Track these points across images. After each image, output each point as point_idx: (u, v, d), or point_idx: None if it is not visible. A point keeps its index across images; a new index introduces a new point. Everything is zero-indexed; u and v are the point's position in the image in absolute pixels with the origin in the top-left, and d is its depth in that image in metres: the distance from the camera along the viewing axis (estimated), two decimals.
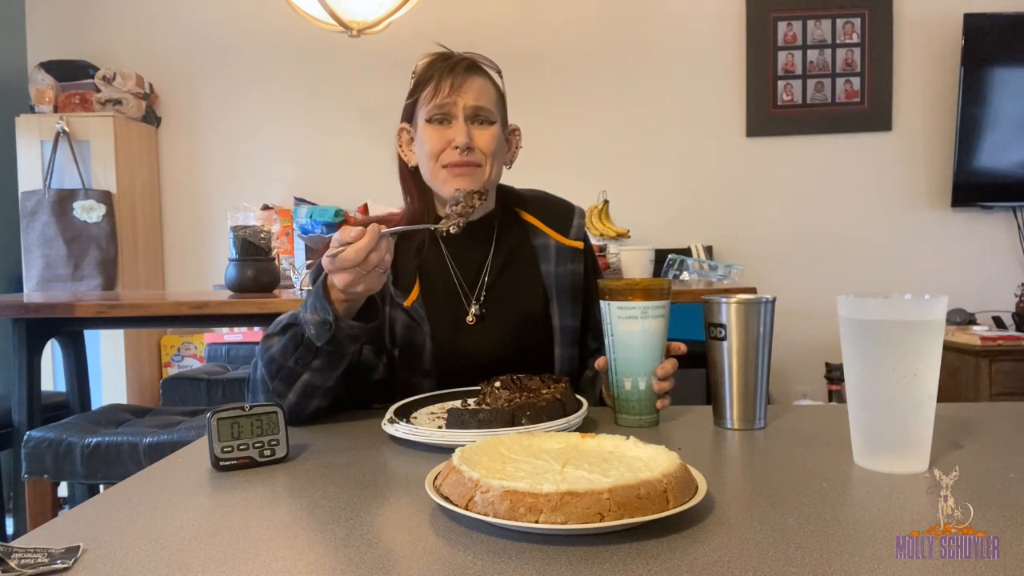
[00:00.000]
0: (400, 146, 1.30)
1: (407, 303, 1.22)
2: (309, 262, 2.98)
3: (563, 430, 0.95)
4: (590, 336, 1.37)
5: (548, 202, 1.37)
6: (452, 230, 1.10)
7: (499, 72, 1.28)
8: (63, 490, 2.71)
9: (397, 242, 1.27)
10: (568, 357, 1.30)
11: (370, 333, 1.08)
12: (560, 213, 1.35)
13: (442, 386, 1.21)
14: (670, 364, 1.07)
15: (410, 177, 1.30)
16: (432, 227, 1.14)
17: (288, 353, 1.07)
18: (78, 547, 0.64)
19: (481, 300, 1.27)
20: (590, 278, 1.35)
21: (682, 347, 1.10)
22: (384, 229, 1.00)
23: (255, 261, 2.36)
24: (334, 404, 1.14)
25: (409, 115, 1.28)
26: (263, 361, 1.10)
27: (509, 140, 1.30)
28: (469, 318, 1.26)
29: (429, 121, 1.22)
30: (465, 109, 1.20)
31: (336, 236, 0.99)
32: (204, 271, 3.57)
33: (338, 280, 0.99)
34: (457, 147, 1.19)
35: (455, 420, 0.97)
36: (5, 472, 2.68)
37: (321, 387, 1.08)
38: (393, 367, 1.24)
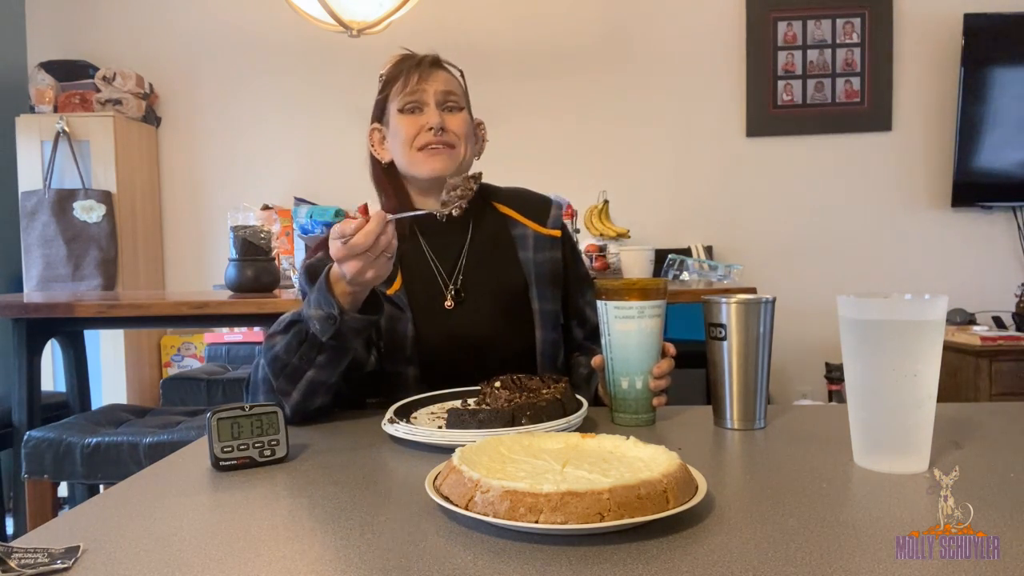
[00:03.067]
0: (372, 145, 1.35)
1: (390, 292, 1.24)
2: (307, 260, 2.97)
3: (563, 430, 0.95)
4: (574, 324, 1.38)
5: (525, 196, 1.41)
6: (454, 212, 1.13)
7: (462, 73, 1.34)
8: (63, 490, 2.71)
9: None
10: (551, 341, 1.32)
11: (373, 326, 1.10)
12: (537, 205, 1.39)
13: (425, 374, 1.23)
14: (666, 363, 1.08)
15: (384, 175, 1.35)
16: (436, 212, 1.15)
17: (292, 350, 1.07)
18: (78, 547, 0.64)
19: (459, 285, 1.30)
20: (569, 265, 1.38)
21: (671, 348, 1.11)
22: (389, 216, 1.01)
23: (255, 261, 2.36)
24: (335, 401, 1.15)
25: (379, 114, 1.33)
26: (267, 360, 1.10)
27: (476, 133, 1.36)
28: (447, 303, 1.28)
29: (402, 111, 1.27)
30: (435, 95, 1.27)
31: (337, 228, 0.99)
32: (204, 271, 3.57)
33: (348, 268, 0.99)
34: (431, 128, 1.25)
35: (455, 420, 0.97)
36: (5, 472, 2.68)
37: (325, 383, 1.09)
38: (379, 358, 1.25)
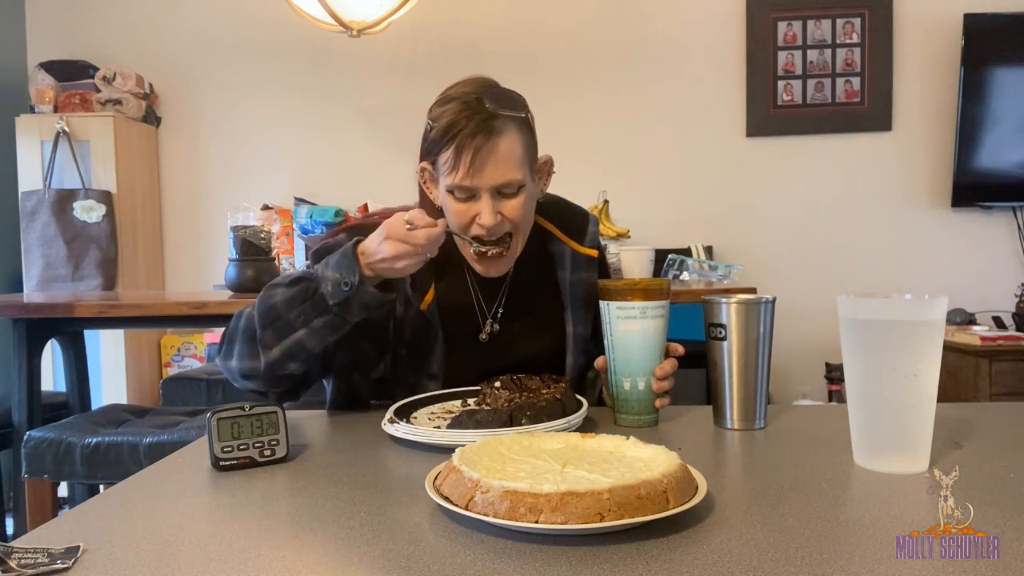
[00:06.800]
0: (424, 182, 1.24)
1: (423, 306, 1.21)
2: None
3: (563, 430, 0.95)
4: (592, 342, 1.36)
5: (564, 208, 1.36)
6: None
7: (527, 110, 1.19)
8: (63, 490, 2.70)
9: None
10: (579, 364, 1.30)
11: (382, 306, 1.09)
12: (576, 220, 1.34)
13: (449, 388, 1.21)
14: (669, 364, 1.07)
15: (432, 209, 1.23)
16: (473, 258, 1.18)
17: (294, 305, 1.06)
18: (78, 547, 0.64)
19: (498, 317, 1.27)
20: None
21: (680, 348, 1.10)
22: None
23: (255, 261, 2.36)
24: (306, 381, 1.16)
25: (427, 158, 1.20)
26: (259, 309, 1.09)
27: (540, 170, 1.24)
28: (483, 336, 1.26)
29: (451, 192, 1.15)
30: (490, 186, 1.14)
31: (413, 213, 1.04)
32: (204, 271, 3.57)
33: (391, 248, 1.02)
34: (482, 226, 1.14)
35: (455, 420, 0.97)
36: (5, 472, 2.68)
37: (309, 351, 1.08)
38: (397, 367, 1.24)
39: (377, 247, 1.03)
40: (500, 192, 1.14)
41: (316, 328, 1.06)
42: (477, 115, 1.11)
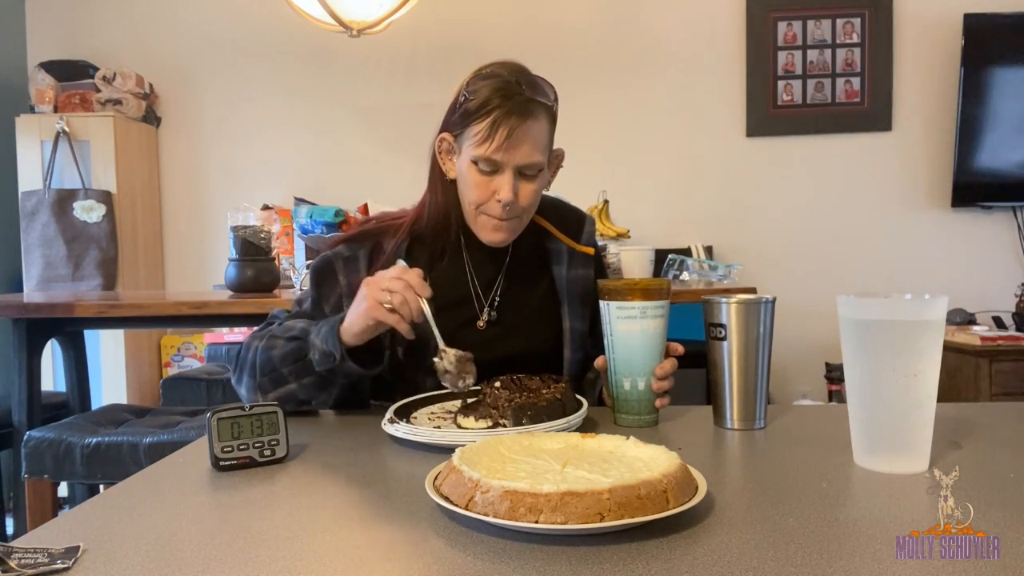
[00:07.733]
0: (440, 153, 1.25)
1: None
2: (310, 261, 2.97)
3: (563, 430, 0.95)
4: (591, 341, 1.37)
5: (560, 208, 1.38)
6: (465, 386, 1.11)
7: (556, 97, 1.23)
8: (63, 490, 2.71)
9: (411, 243, 1.28)
10: (576, 360, 1.31)
11: (365, 379, 1.16)
12: (572, 220, 1.37)
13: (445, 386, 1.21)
14: (669, 364, 1.07)
15: (443, 183, 1.27)
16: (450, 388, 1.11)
17: (286, 362, 1.13)
18: (78, 547, 0.64)
19: (495, 305, 1.29)
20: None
21: (680, 348, 1.11)
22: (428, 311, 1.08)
23: (255, 261, 2.36)
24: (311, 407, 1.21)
25: (452, 127, 1.22)
26: (260, 358, 1.15)
27: (551, 161, 1.27)
28: (480, 323, 1.27)
29: (475, 163, 1.18)
30: (515, 164, 1.17)
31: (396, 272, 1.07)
32: (204, 271, 3.57)
33: (370, 292, 1.05)
34: (500, 201, 1.17)
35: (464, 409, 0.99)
36: (5, 472, 2.68)
37: (301, 400, 1.16)
38: (397, 366, 1.24)
39: (352, 318, 1.08)
40: (521, 172, 1.18)
41: (307, 385, 1.14)
42: (516, 95, 1.16)
